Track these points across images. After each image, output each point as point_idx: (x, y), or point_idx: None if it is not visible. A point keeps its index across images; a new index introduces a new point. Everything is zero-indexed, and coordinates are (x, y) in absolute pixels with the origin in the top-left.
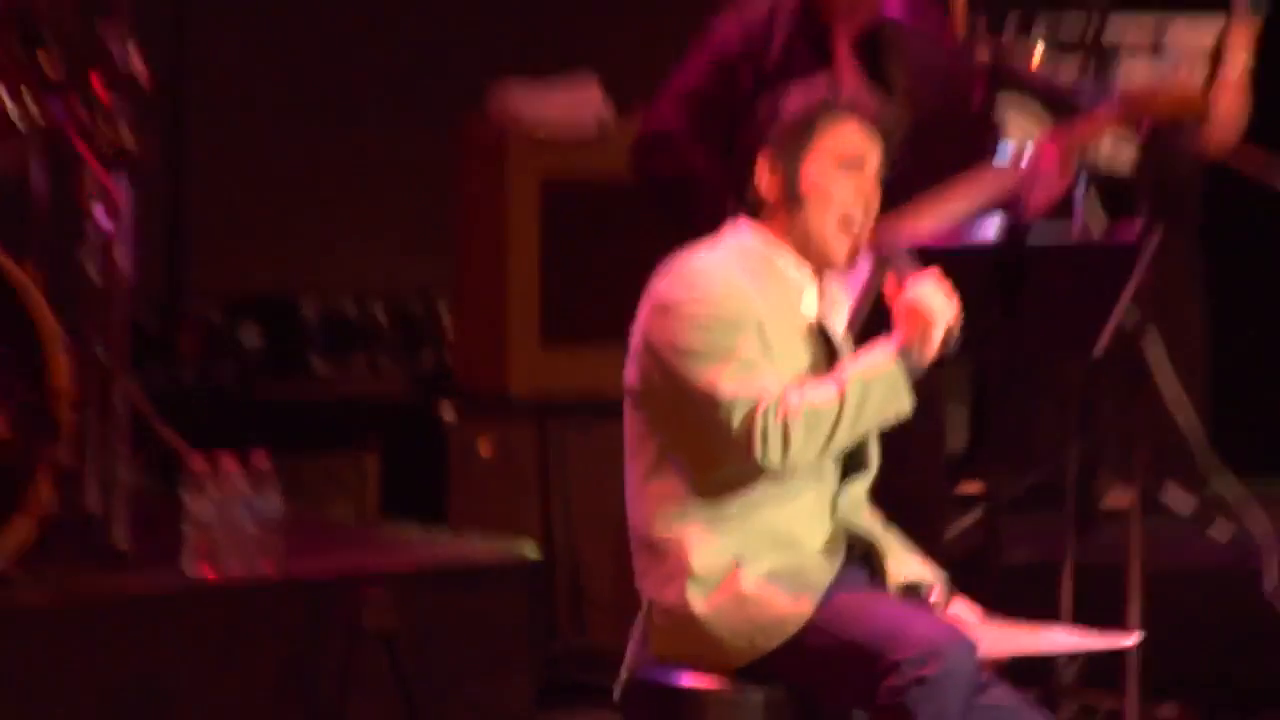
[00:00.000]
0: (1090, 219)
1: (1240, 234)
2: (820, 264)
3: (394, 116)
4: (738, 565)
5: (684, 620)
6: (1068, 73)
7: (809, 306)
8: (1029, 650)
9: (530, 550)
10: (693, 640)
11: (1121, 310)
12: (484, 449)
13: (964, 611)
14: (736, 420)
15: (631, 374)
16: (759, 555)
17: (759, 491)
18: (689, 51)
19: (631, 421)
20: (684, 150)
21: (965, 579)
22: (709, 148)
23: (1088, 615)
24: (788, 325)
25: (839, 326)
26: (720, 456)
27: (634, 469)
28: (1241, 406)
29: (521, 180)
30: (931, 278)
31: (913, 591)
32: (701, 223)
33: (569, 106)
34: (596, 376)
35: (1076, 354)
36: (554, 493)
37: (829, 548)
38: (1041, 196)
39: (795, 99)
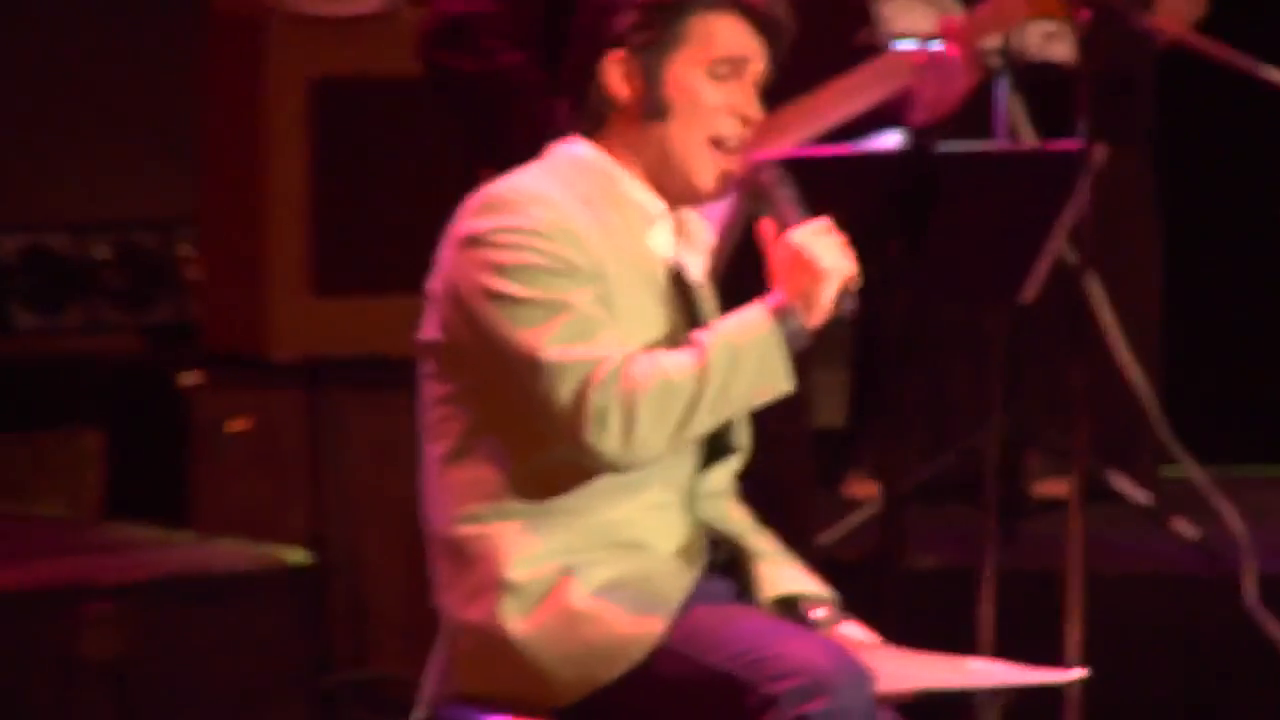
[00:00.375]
0: (1017, 131)
1: (1199, 148)
2: (680, 192)
3: None
4: (567, 574)
5: (496, 644)
6: None
7: (662, 244)
8: (940, 685)
9: (296, 555)
10: (508, 670)
11: (1056, 244)
12: (237, 425)
13: (857, 634)
14: (564, 392)
15: (430, 327)
16: (594, 561)
17: (595, 481)
18: None
19: (430, 390)
20: (489, 39)
21: (857, 590)
22: (522, 37)
23: (1014, 633)
24: (634, 268)
25: (698, 271)
26: (543, 436)
27: (433, 450)
28: (1205, 370)
29: (284, 76)
30: (820, 224)
31: (791, 608)
32: (512, 136)
33: None
34: (383, 333)
35: (998, 301)
36: (328, 481)
37: (684, 553)
38: (939, 95)
39: None
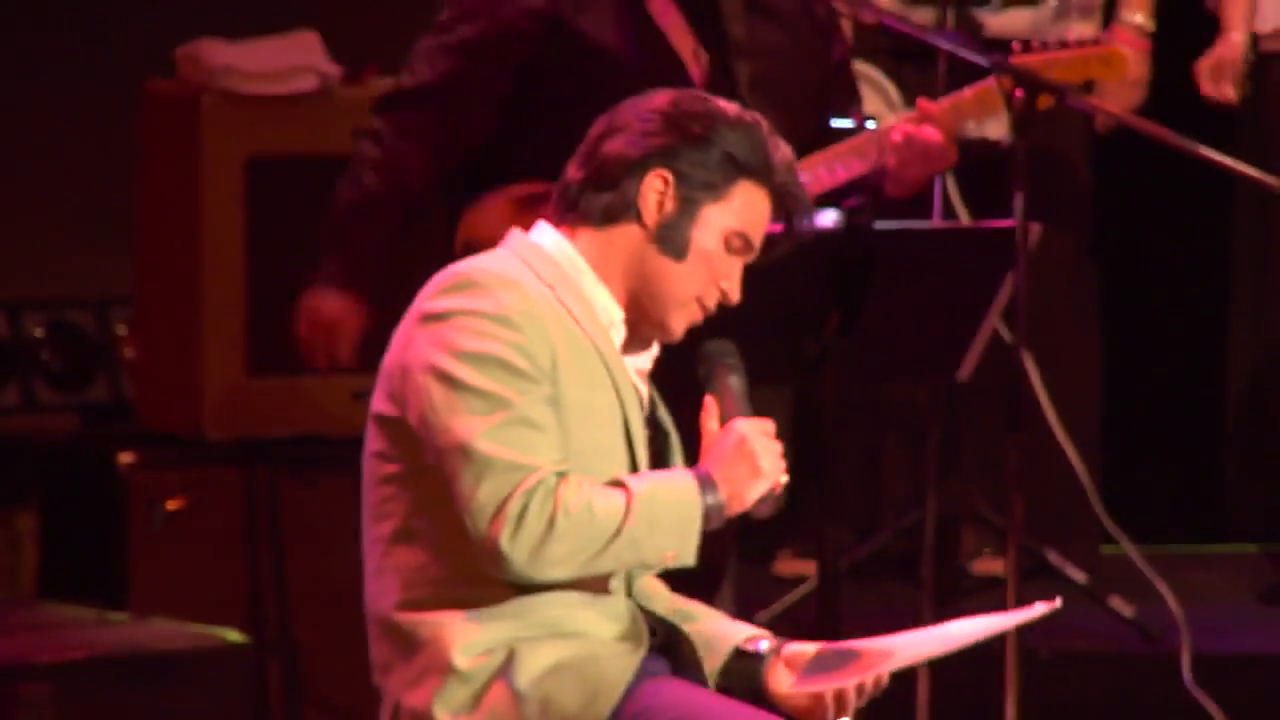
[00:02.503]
0: (951, 208)
1: (1136, 229)
2: (648, 325)
3: (59, 74)
4: (510, 660)
5: None
6: (919, 22)
7: (612, 347)
8: (922, 655)
9: (233, 635)
10: None
11: (992, 322)
12: (172, 504)
13: (806, 649)
14: (488, 488)
15: (379, 401)
16: (537, 647)
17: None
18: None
19: (374, 467)
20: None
21: None
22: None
23: (951, 711)
24: (586, 362)
25: (641, 369)
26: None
27: (375, 530)
28: (1142, 448)
29: (220, 155)
30: (765, 425)
31: (746, 658)
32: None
33: (281, 61)
34: (317, 413)
35: (934, 378)
36: (264, 560)
37: (627, 636)
38: (916, 174)
39: (727, 115)
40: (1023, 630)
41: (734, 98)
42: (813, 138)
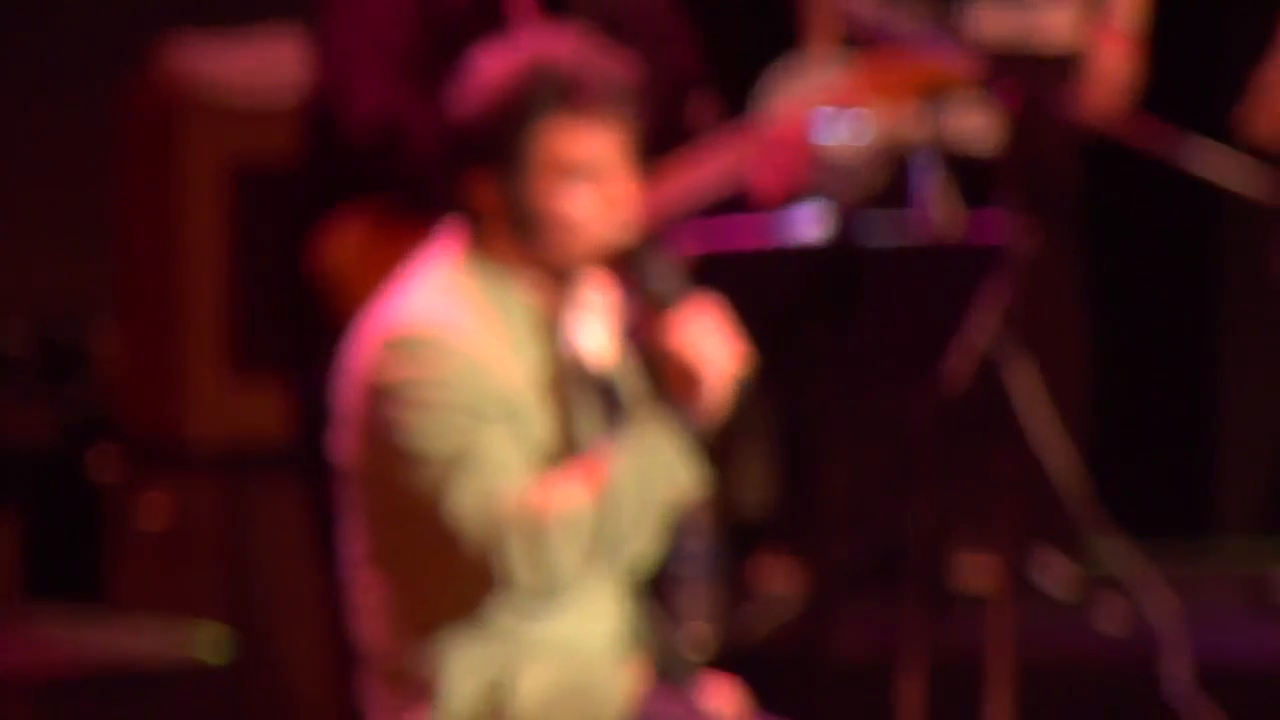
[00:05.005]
0: (946, 213)
1: (1126, 234)
2: (572, 275)
3: (33, 76)
4: (503, 689)
5: None
6: (903, 18)
7: (558, 341)
8: None
9: (215, 648)
10: None
11: (981, 334)
12: (152, 514)
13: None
14: (475, 543)
15: (345, 452)
16: (530, 675)
17: (519, 600)
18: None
19: (352, 512)
20: (429, 143)
21: (781, 685)
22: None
23: None
24: (531, 378)
25: (601, 342)
26: (458, 574)
27: (359, 569)
28: (1133, 454)
29: (200, 163)
30: (697, 310)
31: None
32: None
33: (262, 64)
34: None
35: (922, 391)
36: (246, 571)
37: (615, 635)
38: (774, 179)
39: (479, 93)
40: (1012, 643)
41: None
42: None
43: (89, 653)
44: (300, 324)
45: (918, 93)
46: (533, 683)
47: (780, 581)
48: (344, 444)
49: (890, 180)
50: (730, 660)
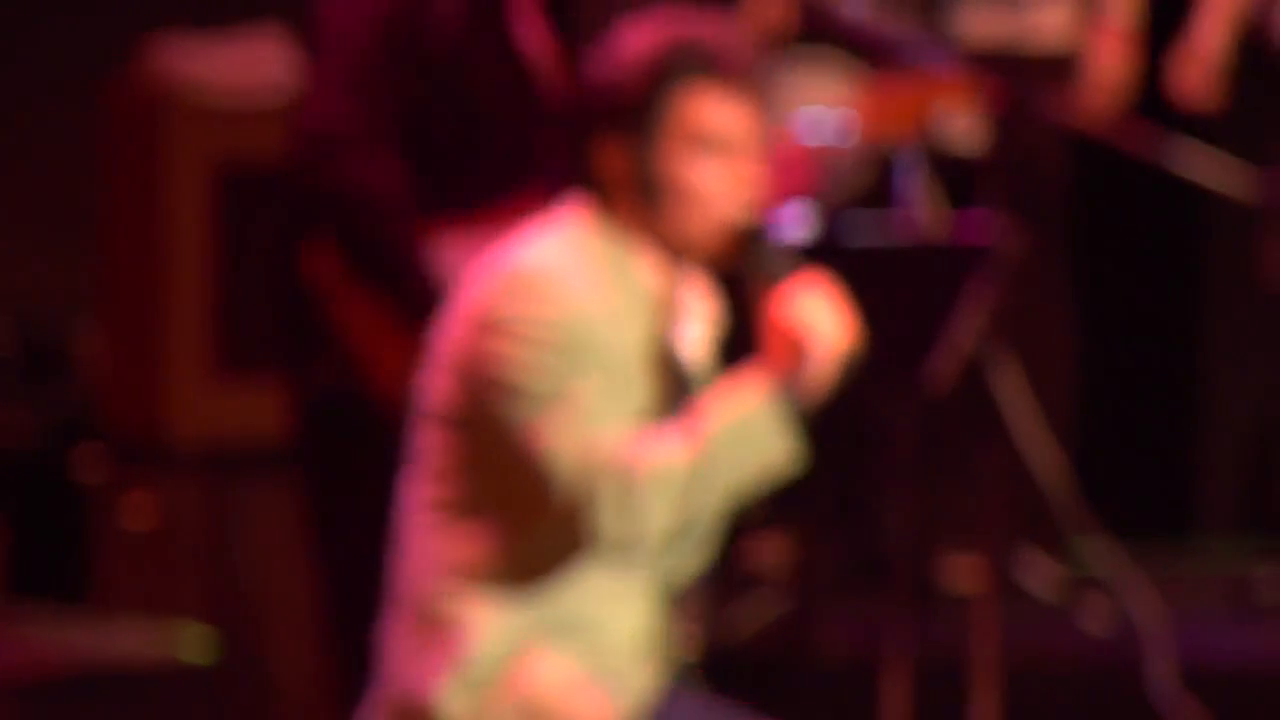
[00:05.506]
0: (932, 213)
1: (1114, 235)
2: (691, 260)
3: (19, 76)
4: (525, 661)
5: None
6: (892, 23)
7: (662, 324)
8: None
9: (199, 649)
10: None
11: (968, 334)
12: (136, 514)
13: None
14: (568, 486)
15: (440, 392)
16: (555, 648)
17: (572, 568)
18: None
19: (427, 457)
20: (361, 161)
21: (767, 683)
22: (387, 150)
23: None
24: (634, 349)
25: (696, 344)
26: (530, 521)
27: (418, 518)
28: (1117, 454)
29: (186, 162)
30: (814, 283)
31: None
32: (387, 256)
33: (248, 64)
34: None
35: (908, 390)
36: (230, 571)
37: (647, 654)
38: (775, 196)
39: (621, 60)
40: (998, 643)
41: None
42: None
43: (73, 652)
44: (290, 323)
45: (923, 118)
46: (555, 663)
47: (767, 581)
48: (435, 387)
49: (875, 180)
50: (717, 659)
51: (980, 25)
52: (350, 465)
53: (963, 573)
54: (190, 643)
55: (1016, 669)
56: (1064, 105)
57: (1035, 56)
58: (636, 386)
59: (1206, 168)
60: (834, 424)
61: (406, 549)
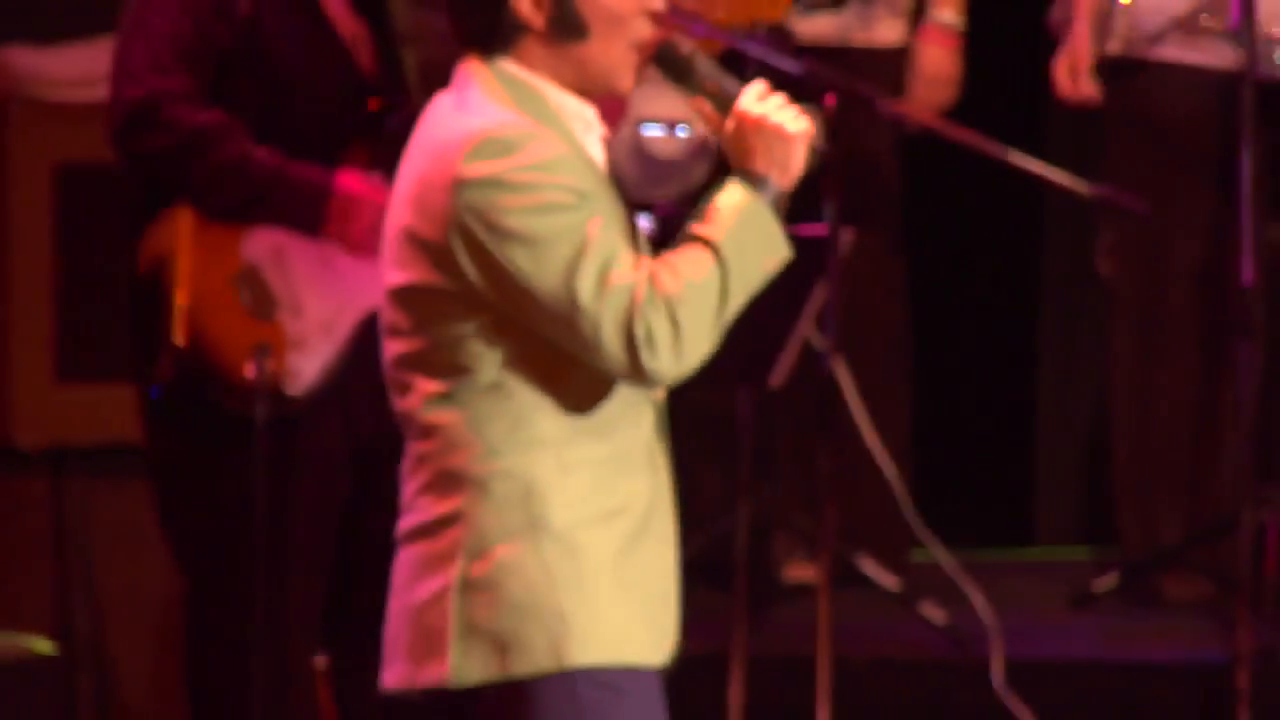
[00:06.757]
0: None
1: (944, 232)
2: (600, 95)
3: None
4: (539, 494)
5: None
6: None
7: (596, 151)
8: None
9: (42, 645)
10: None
11: (804, 328)
12: None
13: None
14: (610, 331)
15: (414, 272)
16: (568, 482)
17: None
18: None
19: (418, 334)
20: (173, 110)
21: None
22: (201, 92)
23: (765, 718)
24: (597, 178)
25: (599, 154)
26: (563, 372)
27: (422, 386)
28: (953, 456)
29: (25, 162)
30: (759, 88)
31: None
32: (212, 183)
33: (89, 66)
34: (126, 421)
35: (747, 385)
36: (73, 569)
37: (657, 464)
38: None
39: None
40: (836, 636)
41: (403, 86)
42: None
43: None
44: (131, 322)
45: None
46: (570, 494)
47: None
48: (406, 266)
49: (713, 175)
50: None
51: (809, 23)
52: (197, 459)
53: (804, 565)
54: (34, 642)
55: (855, 660)
56: (895, 100)
57: (864, 50)
58: (616, 212)
59: (1040, 162)
60: (672, 420)
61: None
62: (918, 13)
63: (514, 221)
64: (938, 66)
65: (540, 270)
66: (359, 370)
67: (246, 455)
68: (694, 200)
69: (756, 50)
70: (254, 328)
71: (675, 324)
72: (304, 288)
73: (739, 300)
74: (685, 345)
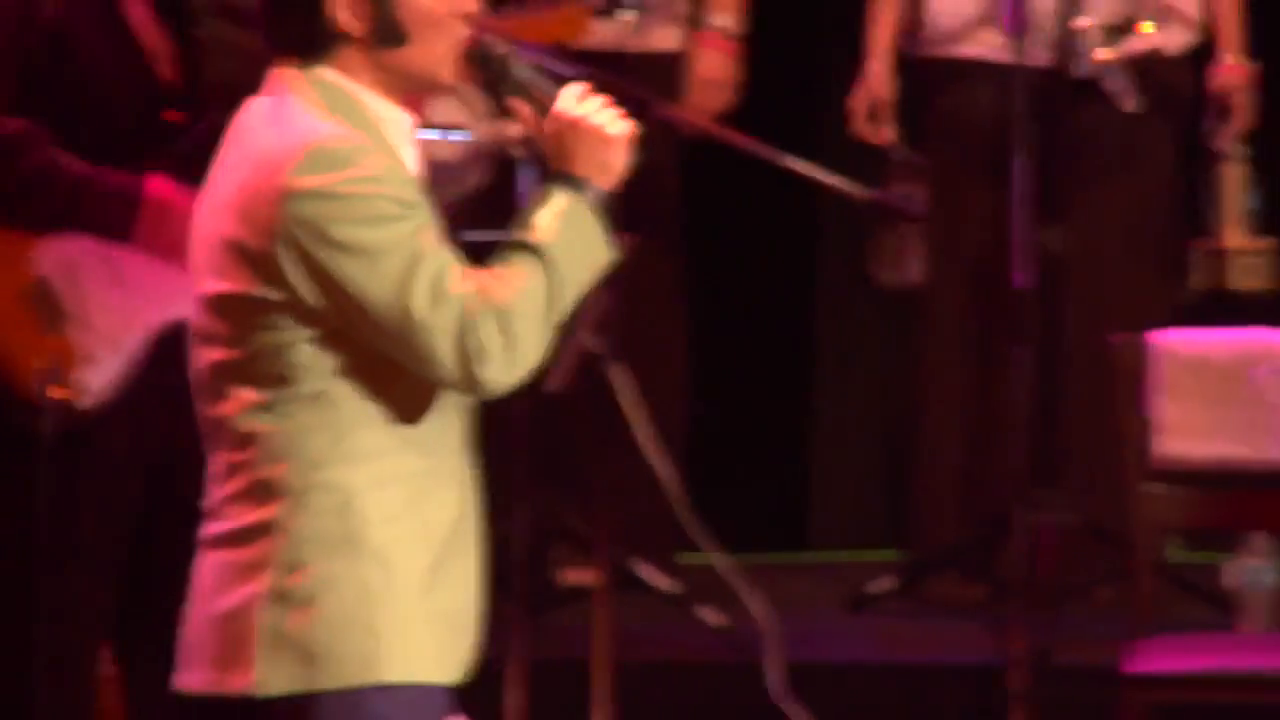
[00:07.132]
0: None
1: (722, 237)
2: (422, 95)
3: None
4: (353, 507)
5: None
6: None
7: (411, 160)
8: None
9: None
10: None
11: (582, 333)
12: None
13: None
14: (444, 343)
15: (233, 281)
16: (382, 495)
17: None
18: None
19: (235, 344)
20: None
21: None
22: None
23: None
24: (417, 188)
25: (415, 163)
26: (403, 380)
27: (239, 395)
28: (729, 459)
29: None
30: (578, 89)
31: None
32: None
33: None
34: None
35: (523, 389)
36: None
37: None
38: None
39: None
40: (614, 640)
41: (202, 98)
42: None
43: None
44: None
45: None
46: (386, 509)
47: None
48: (222, 273)
49: (494, 180)
50: None
51: (596, 40)
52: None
53: (582, 570)
54: None
55: (635, 664)
56: (673, 107)
57: (641, 55)
58: (437, 221)
59: (815, 166)
60: None
61: (209, 416)
62: (694, 19)
63: (346, 233)
64: (713, 71)
65: (373, 282)
66: (151, 379)
67: (32, 467)
68: (467, 205)
69: (533, 56)
70: (43, 342)
71: (507, 334)
72: (93, 301)
73: (566, 305)
74: (517, 355)
